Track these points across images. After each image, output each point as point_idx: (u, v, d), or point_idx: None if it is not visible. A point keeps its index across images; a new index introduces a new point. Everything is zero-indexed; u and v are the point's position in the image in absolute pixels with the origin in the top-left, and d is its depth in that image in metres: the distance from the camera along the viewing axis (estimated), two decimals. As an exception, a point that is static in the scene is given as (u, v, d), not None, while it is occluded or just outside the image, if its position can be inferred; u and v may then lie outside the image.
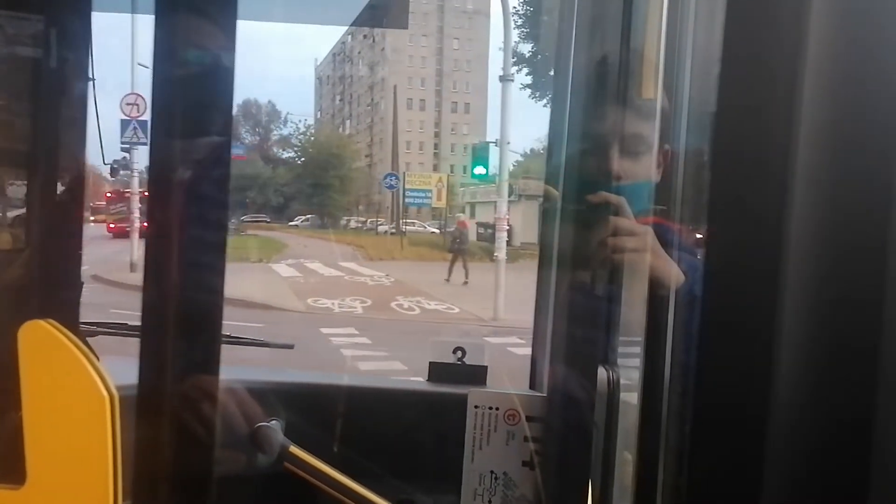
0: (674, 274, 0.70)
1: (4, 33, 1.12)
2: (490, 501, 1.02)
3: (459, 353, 1.42)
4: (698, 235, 0.59)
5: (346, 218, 30.96)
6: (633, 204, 0.98)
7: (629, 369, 0.87)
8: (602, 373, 0.91)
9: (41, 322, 0.67)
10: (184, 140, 0.84)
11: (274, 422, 1.14)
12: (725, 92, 0.53)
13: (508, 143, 11.72)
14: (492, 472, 1.02)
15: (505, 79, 11.58)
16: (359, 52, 45.00)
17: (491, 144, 12.36)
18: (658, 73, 0.82)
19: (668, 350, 0.63)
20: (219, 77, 0.82)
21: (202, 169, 0.86)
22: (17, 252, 1.12)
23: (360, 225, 29.13)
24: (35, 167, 1.15)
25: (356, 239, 20.62)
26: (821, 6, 0.51)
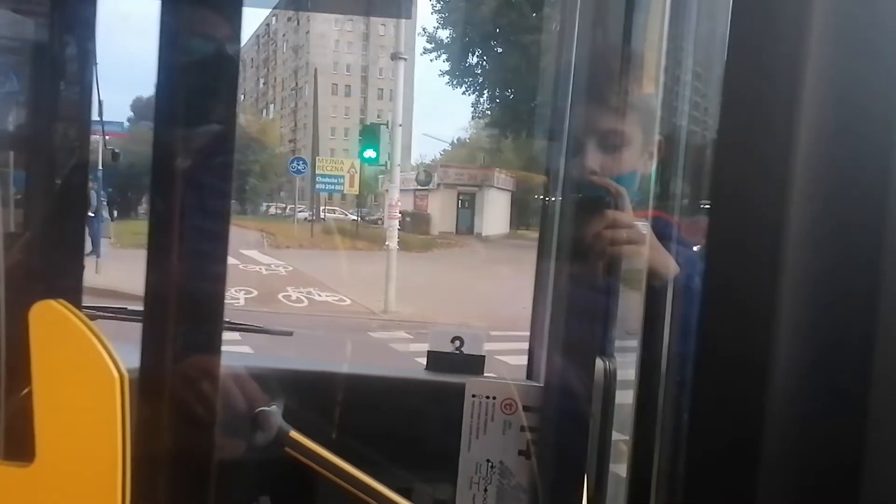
0: (671, 266, 0.71)
1: (8, 18, 1.13)
2: (486, 490, 1.03)
3: (458, 343, 1.43)
4: (696, 227, 0.60)
5: (266, 204, 30.35)
6: (631, 196, 0.98)
7: (626, 360, 0.88)
8: (599, 363, 0.92)
9: (52, 302, 0.68)
10: (187, 128, 0.84)
11: (274, 406, 1.15)
12: (728, 86, 0.53)
13: (401, 125, 11.21)
14: (488, 460, 1.03)
15: (397, 57, 11.12)
16: (283, 35, 44.30)
17: (383, 126, 11.73)
18: (659, 67, 0.82)
19: (664, 341, 0.63)
20: (223, 65, 0.82)
21: (205, 157, 0.86)
22: (19, 236, 1.12)
23: (279, 211, 28.54)
24: (38, 151, 1.16)
25: (269, 226, 19.99)
26: (824, 1, 0.51)
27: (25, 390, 0.70)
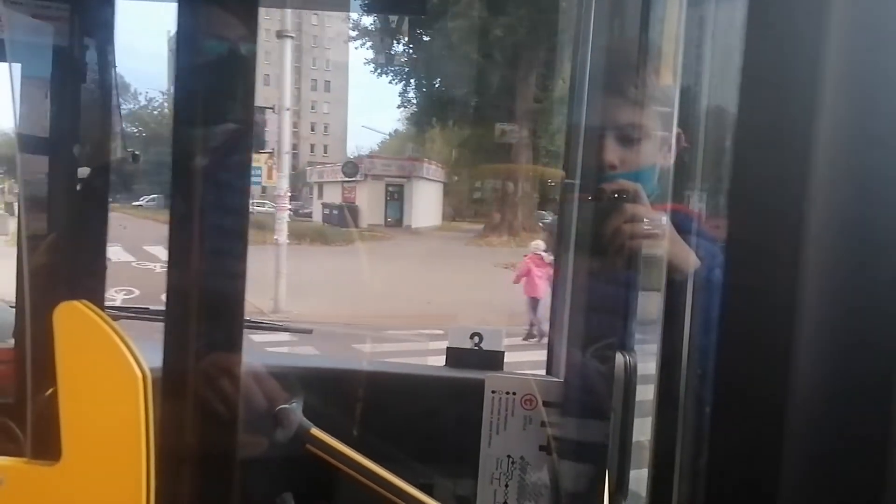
0: (691, 259, 0.71)
1: (29, 20, 1.14)
2: (507, 486, 1.03)
3: (477, 339, 1.43)
4: (716, 220, 0.60)
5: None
6: (649, 189, 0.98)
7: (646, 354, 0.88)
8: (619, 358, 0.92)
9: (76, 303, 0.69)
10: (205, 127, 0.85)
11: (295, 404, 1.16)
12: (747, 78, 0.53)
13: (289, 108, 10.61)
14: (509, 456, 1.03)
15: (282, 35, 10.33)
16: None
17: (269, 111, 10.74)
18: (676, 59, 0.81)
19: (685, 335, 0.63)
20: (240, 64, 0.83)
21: (223, 155, 0.87)
22: (43, 237, 1.14)
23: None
24: (59, 153, 1.17)
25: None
26: None
27: (50, 390, 0.71)
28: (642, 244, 0.93)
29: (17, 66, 1.14)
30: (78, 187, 1.17)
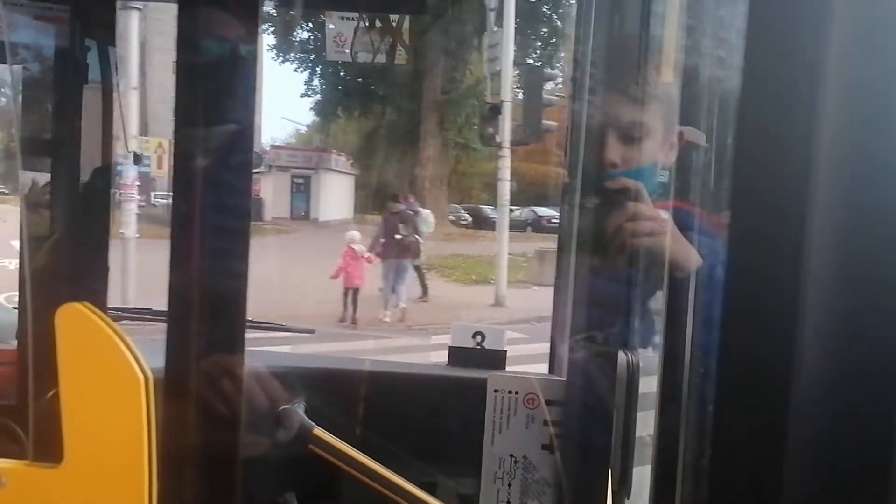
0: (693, 257, 0.71)
1: (31, 23, 1.14)
2: (510, 485, 1.03)
3: (479, 338, 1.43)
4: (718, 218, 0.59)
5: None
6: (651, 187, 0.98)
7: (648, 353, 0.88)
8: (622, 356, 0.91)
9: (77, 305, 0.69)
10: (207, 128, 0.85)
11: (297, 404, 1.16)
12: (748, 76, 0.53)
13: (135, 87, 9.19)
14: (511, 455, 1.03)
15: (126, 7, 8.78)
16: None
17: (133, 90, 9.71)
18: (678, 57, 0.81)
19: (688, 332, 0.63)
20: (242, 65, 0.83)
21: (225, 156, 0.87)
22: (45, 239, 1.14)
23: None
24: (62, 155, 1.18)
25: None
26: None
27: (52, 392, 0.71)
28: (644, 242, 0.93)
29: (17, 68, 1.15)
30: (80, 189, 1.18)
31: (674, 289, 0.72)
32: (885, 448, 0.51)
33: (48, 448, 0.71)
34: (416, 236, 9.68)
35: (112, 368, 0.69)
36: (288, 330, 1.57)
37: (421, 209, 10.52)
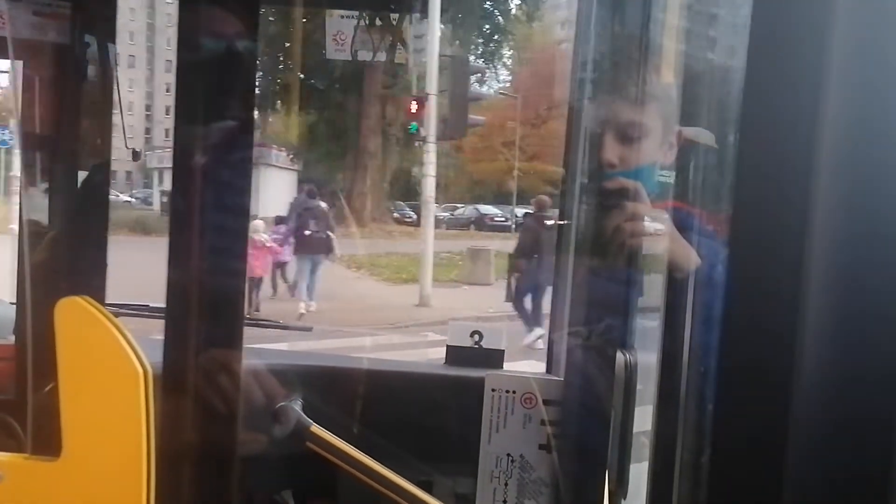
0: (692, 257, 0.71)
1: (32, 20, 1.14)
2: (506, 484, 1.03)
3: (476, 337, 1.43)
4: (718, 218, 0.60)
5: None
6: (650, 187, 0.98)
7: (646, 353, 0.88)
8: (620, 356, 0.92)
9: (77, 298, 0.69)
10: (206, 126, 0.85)
11: (295, 401, 1.16)
12: (750, 79, 0.53)
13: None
14: (508, 454, 1.03)
15: None
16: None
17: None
18: (678, 58, 0.81)
19: (686, 332, 0.63)
20: (241, 63, 0.83)
21: (224, 154, 0.87)
22: (44, 233, 1.14)
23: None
24: (60, 150, 1.17)
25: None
26: None
27: (50, 385, 0.71)
28: (643, 242, 0.93)
29: (18, 63, 1.15)
30: (78, 184, 1.18)
31: (673, 289, 0.72)
32: (885, 447, 0.51)
33: (47, 441, 0.71)
34: (329, 233, 9.33)
35: (111, 362, 0.69)
36: (286, 328, 1.57)
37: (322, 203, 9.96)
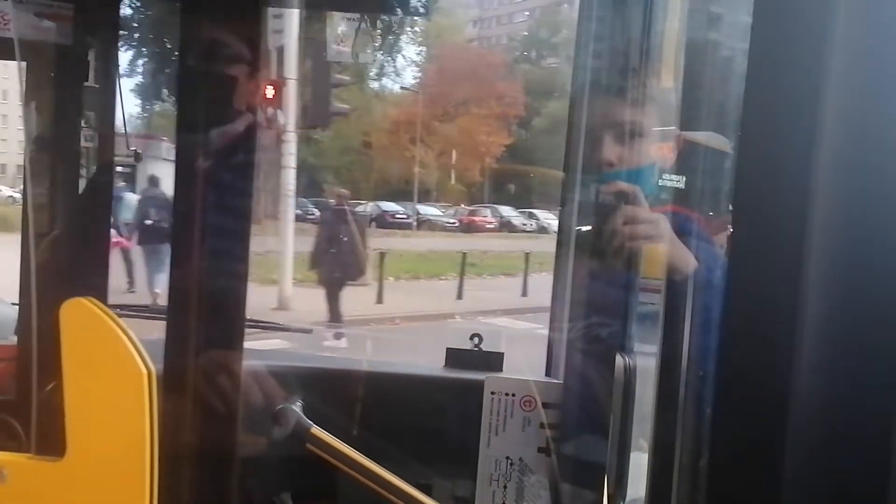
0: (690, 261, 0.71)
1: (34, 21, 1.15)
2: (506, 487, 1.03)
3: (476, 340, 1.43)
4: (717, 222, 0.60)
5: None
6: (648, 191, 0.98)
7: (645, 356, 0.88)
8: (619, 360, 0.92)
9: (82, 299, 0.70)
10: (208, 130, 0.86)
11: (295, 403, 1.16)
12: (751, 81, 0.53)
13: None
14: (507, 457, 1.03)
15: None
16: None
17: None
18: (678, 62, 0.82)
19: (685, 336, 0.63)
20: (244, 66, 0.83)
21: (226, 157, 0.88)
22: (47, 235, 1.14)
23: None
24: (63, 152, 1.18)
25: None
26: None
27: (52, 385, 0.71)
28: (641, 245, 0.93)
29: (23, 65, 1.15)
30: (82, 185, 1.18)
31: (671, 292, 0.72)
32: (883, 452, 0.51)
33: (50, 441, 0.71)
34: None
35: (115, 362, 0.69)
36: (286, 329, 1.57)
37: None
